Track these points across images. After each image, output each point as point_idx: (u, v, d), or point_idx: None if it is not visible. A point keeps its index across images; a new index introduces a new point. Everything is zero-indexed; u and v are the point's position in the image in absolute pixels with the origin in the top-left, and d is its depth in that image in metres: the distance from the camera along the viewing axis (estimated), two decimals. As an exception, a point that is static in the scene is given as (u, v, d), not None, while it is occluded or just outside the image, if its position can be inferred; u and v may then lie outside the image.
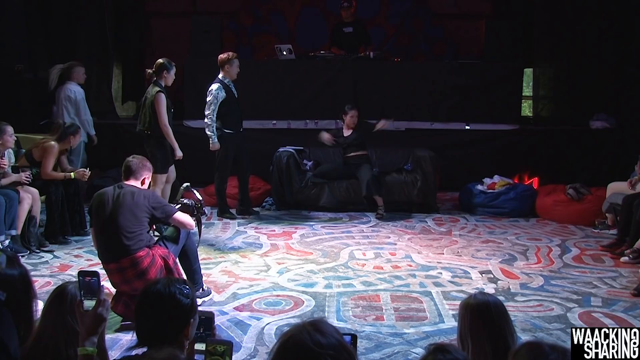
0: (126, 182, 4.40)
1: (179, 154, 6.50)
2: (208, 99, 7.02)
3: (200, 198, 4.95)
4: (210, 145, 7.05)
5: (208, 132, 7.03)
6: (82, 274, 2.30)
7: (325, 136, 7.60)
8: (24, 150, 6.36)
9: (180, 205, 4.71)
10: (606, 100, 8.90)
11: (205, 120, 7.04)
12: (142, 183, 4.45)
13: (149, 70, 6.59)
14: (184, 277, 4.44)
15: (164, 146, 6.46)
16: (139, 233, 4.24)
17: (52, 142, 6.16)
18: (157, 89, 6.41)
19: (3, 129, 5.73)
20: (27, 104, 8.66)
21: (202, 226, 5.25)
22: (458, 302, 3.15)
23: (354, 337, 1.96)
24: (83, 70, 7.73)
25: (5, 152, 5.81)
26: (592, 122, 8.79)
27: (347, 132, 7.67)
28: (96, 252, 4.49)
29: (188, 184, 5.19)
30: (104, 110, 9.62)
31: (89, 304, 2.25)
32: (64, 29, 9.45)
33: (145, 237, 4.29)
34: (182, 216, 4.46)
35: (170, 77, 6.54)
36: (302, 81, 8.68)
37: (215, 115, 7.00)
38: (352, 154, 7.68)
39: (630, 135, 8.42)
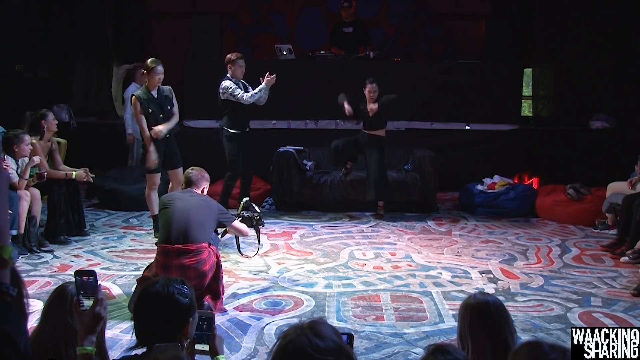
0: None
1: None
2: (225, 94, 6.82)
3: (259, 211, 5.37)
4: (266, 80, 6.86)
5: (257, 94, 6.84)
6: (79, 273, 2.29)
7: (346, 107, 7.38)
8: None
9: (241, 218, 5.19)
10: (606, 100, 8.90)
11: (249, 98, 6.82)
12: (202, 192, 4.81)
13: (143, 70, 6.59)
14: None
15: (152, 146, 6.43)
16: (208, 229, 4.59)
17: (32, 141, 6.08)
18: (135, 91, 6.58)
19: (21, 138, 5.84)
20: (27, 104, 8.65)
21: (261, 237, 5.63)
22: (458, 302, 3.15)
23: (350, 337, 1.95)
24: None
25: (20, 160, 5.86)
26: (592, 122, 8.79)
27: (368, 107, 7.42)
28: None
29: (247, 198, 5.53)
30: (104, 110, 9.63)
31: (87, 303, 2.25)
32: (64, 29, 9.47)
33: (209, 234, 4.64)
34: (240, 224, 5.02)
35: (150, 78, 6.38)
36: (302, 81, 8.68)
37: (245, 92, 6.83)
38: (369, 131, 7.49)
39: (630, 135, 8.42)
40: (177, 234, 4.44)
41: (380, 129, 7.49)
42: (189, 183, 4.81)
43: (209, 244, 4.56)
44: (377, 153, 7.40)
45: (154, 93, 6.40)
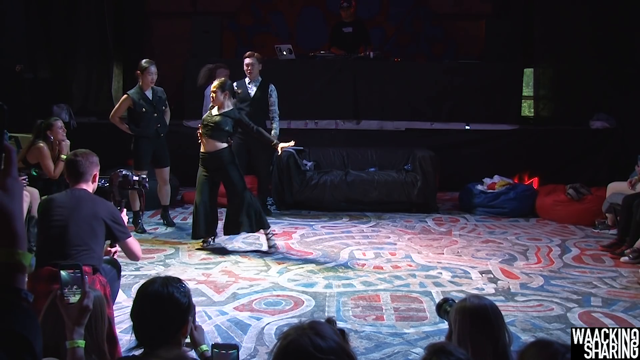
0: (77, 187, 3.74)
1: None
2: None
3: (141, 177, 4.36)
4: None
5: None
6: (63, 267, 2.31)
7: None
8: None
9: (121, 176, 4.15)
10: (606, 100, 8.89)
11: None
12: (94, 181, 3.82)
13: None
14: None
15: (136, 143, 6.63)
16: (91, 248, 3.59)
17: (40, 144, 6.15)
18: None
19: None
20: (27, 104, 8.65)
21: (144, 203, 4.94)
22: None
23: (341, 332, 1.94)
24: (226, 72, 7.76)
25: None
26: (592, 122, 8.78)
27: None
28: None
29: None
30: (104, 110, 9.62)
31: (72, 298, 2.26)
32: (64, 29, 9.46)
33: (97, 255, 3.62)
34: (135, 243, 3.90)
35: (144, 78, 6.48)
36: (302, 81, 8.67)
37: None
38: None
39: (630, 135, 8.41)
40: (49, 253, 3.52)
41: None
42: (77, 175, 3.73)
43: (94, 271, 3.55)
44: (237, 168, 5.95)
45: (148, 93, 6.59)
